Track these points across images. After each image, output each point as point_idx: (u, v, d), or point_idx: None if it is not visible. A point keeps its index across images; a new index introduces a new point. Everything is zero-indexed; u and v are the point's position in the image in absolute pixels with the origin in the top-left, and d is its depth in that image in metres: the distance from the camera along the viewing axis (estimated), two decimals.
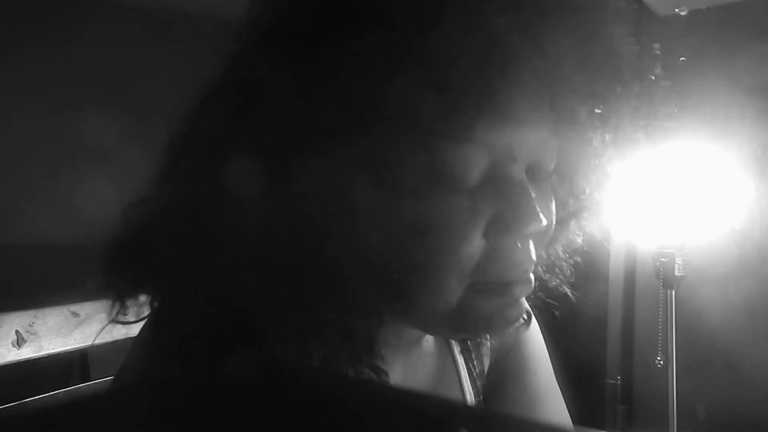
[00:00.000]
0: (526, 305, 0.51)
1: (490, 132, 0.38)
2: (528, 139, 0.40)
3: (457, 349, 0.57)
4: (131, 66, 1.72)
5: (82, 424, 0.25)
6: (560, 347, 0.68)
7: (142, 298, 0.45)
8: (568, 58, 0.38)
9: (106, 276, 0.43)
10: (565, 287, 0.51)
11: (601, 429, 1.77)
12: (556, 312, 0.50)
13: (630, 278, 1.99)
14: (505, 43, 0.36)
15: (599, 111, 0.42)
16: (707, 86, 1.56)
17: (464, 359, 0.57)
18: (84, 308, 0.81)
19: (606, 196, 0.49)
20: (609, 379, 1.97)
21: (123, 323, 0.45)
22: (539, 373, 0.60)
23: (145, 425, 0.25)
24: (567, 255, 0.51)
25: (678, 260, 1.52)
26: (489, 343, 0.59)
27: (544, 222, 0.41)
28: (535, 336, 0.61)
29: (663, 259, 1.53)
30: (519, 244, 0.41)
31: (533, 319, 0.59)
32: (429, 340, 0.55)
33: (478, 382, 0.58)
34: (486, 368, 0.59)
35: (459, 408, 0.36)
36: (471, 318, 0.42)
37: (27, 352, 0.77)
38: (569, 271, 0.51)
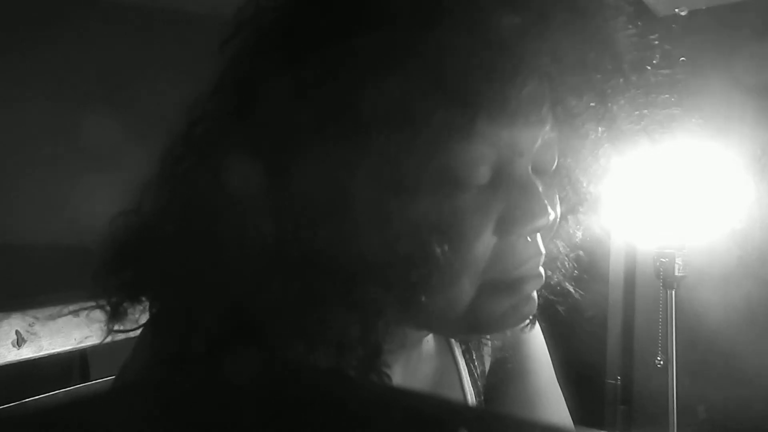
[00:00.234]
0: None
1: (497, 128, 0.38)
2: (533, 135, 0.40)
3: (458, 350, 0.57)
4: (131, 66, 1.72)
5: (82, 424, 0.25)
6: (560, 347, 0.68)
7: (139, 305, 0.44)
8: (568, 56, 0.38)
9: (105, 278, 0.43)
10: (567, 284, 0.51)
11: (601, 429, 1.77)
12: (560, 308, 0.50)
13: (630, 278, 1.99)
14: (507, 42, 0.36)
15: (599, 107, 0.43)
16: (707, 86, 1.56)
17: (465, 360, 0.57)
18: (84, 308, 0.81)
19: (606, 194, 0.49)
20: (609, 379, 1.97)
21: (119, 332, 0.45)
22: (540, 373, 0.60)
23: (146, 426, 0.25)
24: (568, 251, 0.51)
25: (678, 260, 1.52)
26: (490, 344, 0.59)
27: (552, 215, 0.41)
28: (535, 336, 0.61)
29: (663, 260, 1.53)
30: (529, 239, 0.41)
31: (530, 316, 0.59)
32: (430, 341, 0.55)
33: (479, 383, 0.58)
34: (487, 369, 0.59)
35: (459, 408, 0.36)
36: (485, 317, 0.42)
37: (27, 352, 0.77)
38: (571, 267, 0.51)
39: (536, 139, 0.41)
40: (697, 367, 1.75)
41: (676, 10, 1.64)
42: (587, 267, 0.52)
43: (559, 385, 0.62)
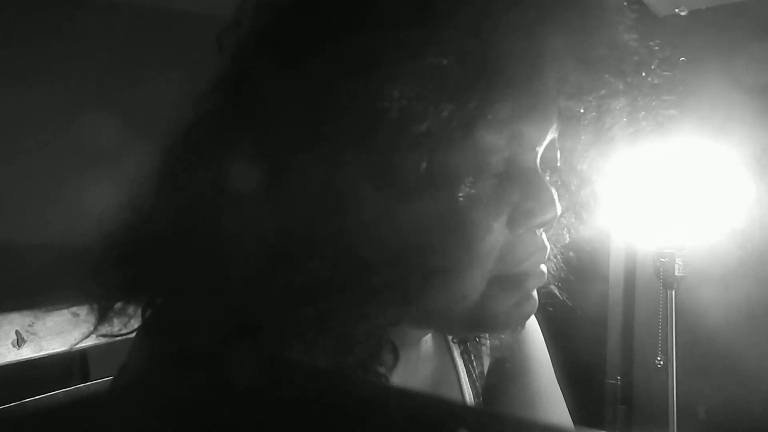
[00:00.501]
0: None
1: (508, 122, 0.39)
2: (544, 130, 0.41)
3: (456, 351, 0.57)
4: (132, 66, 1.72)
5: (82, 424, 0.25)
6: (560, 347, 0.68)
7: (135, 306, 0.44)
8: (570, 56, 0.38)
9: (104, 277, 0.43)
10: (566, 283, 0.51)
11: (601, 429, 1.77)
12: (559, 308, 0.51)
13: (630, 278, 1.99)
14: (507, 41, 0.36)
15: (600, 106, 0.43)
16: (707, 86, 1.56)
17: (464, 361, 0.57)
18: (84, 308, 0.81)
19: (606, 194, 0.49)
20: (609, 379, 1.97)
21: (111, 336, 0.45)
22: (539, 373, 0.60)
23: (146, 426, 0.25)
24: (568, 251, 0.51)
25: (678, 260, 1.52)
26: (489, 344, 0.59)
27: (560, 210, 0.42)
28: (535, 336, 0.61)
29: (663, 260, 1.53)
30: (537, 233, 0.42)
31: (533, 318, 0.59)
32: (428, 342, 0.55)
33: (478, 383, 0.58)
34: (486, 369, 0.59)
35: (458, 408, 0.36)
36: (489, 314, 0.42)
37: (27, 352, 0.77)
38: (571, 267, 0.51)
39: (546, 134, 0.41)
40: (697, 367, 1.76)
41: (676, 10, 1.64)
42: (587, 267, 0.52)
43: (559, 385, 0.62)
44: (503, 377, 0.59)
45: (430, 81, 0.35)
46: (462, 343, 0.57)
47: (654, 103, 0.45)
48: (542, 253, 0.43)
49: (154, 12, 1.83)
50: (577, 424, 0.62)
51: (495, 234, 0.40)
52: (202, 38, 0.43)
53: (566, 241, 0.51)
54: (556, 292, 0.51)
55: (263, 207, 0.37)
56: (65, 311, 0.80)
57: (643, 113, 0.46)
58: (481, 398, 0.58)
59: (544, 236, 0.43)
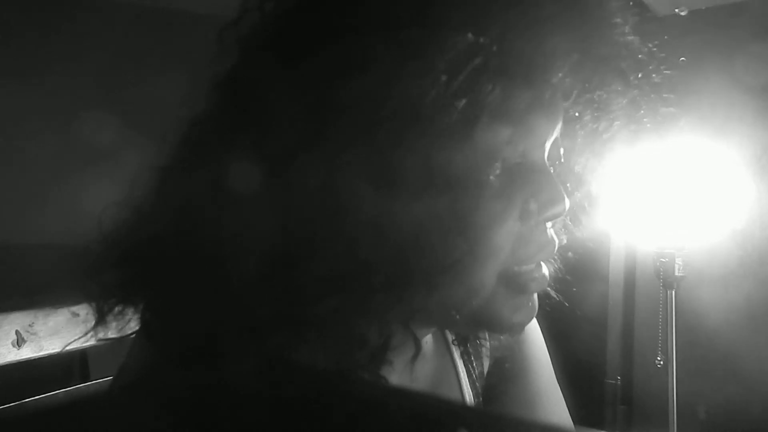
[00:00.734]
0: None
1: (515, 119, 0.39)
2: (553, 126, 0.42)
3: (456, 351, 0.57)
4: (132, 66, 1.72)
5: (82, 424, 0.25)
6: (560, 347, 0.68)
7: (134, 306, 0.44)
8: (568, 55, 0.38)
9: (103, 277, 0.43)
10: (566, 283, 0.51)
11: (601, 429, 1.77)
12: (559, 308, 0.51)
13: (630, 278, 1.99)
14: (507, 41, 0.36)
15: (601, 106, 0.43)
16: (707, 86, 1.56)
17: (464, 361, 0.57)
18: (84, 308, 0.81)
19: (606, 194, 0.49)
20: (609, 379, 1.97)
21: (109, 340, 0.45)
22: (539, 373, 0.60)
23: (145, 425, 0.25)
24: (568, 250, 0.51)
25: (678, 261, 1.52)
26: (489, 344, 0.59)
27: (568, 203, 0.42)
28: (535, 336, 0.61)
29: (663, 260, 1.53)
30: (548, 225, 0.43)
31: (533, 319, 0.59)
32: (428, 342, 0.55)
33: (478, 384, 0.58)
34: (486, 369, 0.59)
35: (458, 409, 0.36)
36: (493, 313, 0.43)
37: (27, 352, 0.77)
38: (570, 267, 0.51)
39: (554, 130, 0.42)
40: (697, 367, 1.76)
41: (676, 10, 1.64)
42: (587, 267, 0.52)
43: (559, 385, 0.62)
44: (503, 377, 0.59)
45: (430, 81, 0.35)
46: (462, 343, 0.57)
47: (654, 103, 0.45)
48: (551, 246, 0.43)
49: (154, 12, 1.83)
50: (577, 424, 0.62)
51: (508, 226, 0.41)
52: (202, 38, 0.43)
53: (566, 241, 0.51)
54: (556, 292, 0.51)
55: (263, 207, 0.37)
56: (65, 311, 0.80)
57: (643, 112, 0.46)
58: (481, 398, 0.58)
59: (552, 231, 0.44)
